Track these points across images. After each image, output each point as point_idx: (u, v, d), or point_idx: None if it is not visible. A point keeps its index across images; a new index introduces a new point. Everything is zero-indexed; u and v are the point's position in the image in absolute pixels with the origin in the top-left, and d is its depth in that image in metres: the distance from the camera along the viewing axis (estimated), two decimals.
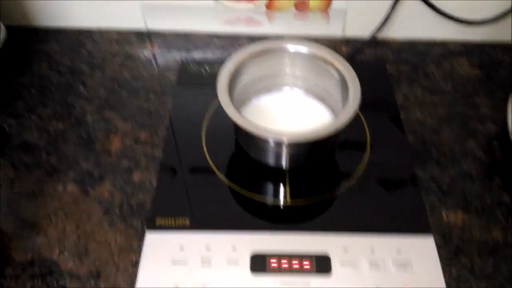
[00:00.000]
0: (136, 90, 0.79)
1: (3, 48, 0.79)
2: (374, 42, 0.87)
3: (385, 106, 0.77)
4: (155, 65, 0.84)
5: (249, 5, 0.86)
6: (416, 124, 0.74)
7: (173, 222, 0.61)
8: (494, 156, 0.70)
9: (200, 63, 0.83)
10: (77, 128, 0.73)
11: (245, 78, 0.69)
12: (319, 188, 0.66)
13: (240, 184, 0.66)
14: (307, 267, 0.57)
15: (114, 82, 0.80)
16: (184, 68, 0.82)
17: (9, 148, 0.70)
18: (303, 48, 0.69)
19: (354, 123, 0.61)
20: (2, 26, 0.80)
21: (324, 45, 0.69)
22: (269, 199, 0.65)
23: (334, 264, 0.57)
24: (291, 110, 0.72)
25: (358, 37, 0.88)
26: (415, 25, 0.87)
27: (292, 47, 0.69)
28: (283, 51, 0.70)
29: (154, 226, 0.61)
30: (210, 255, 0.58)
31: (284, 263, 0.57)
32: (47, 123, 0.74)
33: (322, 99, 0.72)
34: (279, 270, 0.57)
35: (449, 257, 0.59)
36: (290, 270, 0.57)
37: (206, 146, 0.70)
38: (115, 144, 0.71)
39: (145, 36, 0.89)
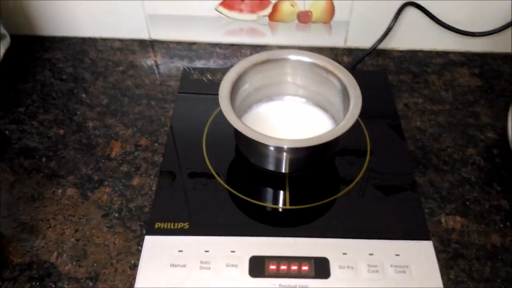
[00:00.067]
0: (138, 97, 0.79)
1: (7, 56, 0.80)
2: (375, 52, 0.87)
3: (385, 114, 0.77)
4: (157, 74, 0.84)
5: (252, 16, 0.87)
6: (417, 132, 0.74)
7: (172, 226, 0.61)
8: (494, 163, 0.70)
9: (202, 71, 0.83)
10: (78, 134, 0.74)
11: (247, 86, 0.69)
12: (318, 193, 0.66)
13: (239, 190, 0.66)
14: (306, 270, 0.56)
15: (116, 90, 0.81)
16: (186, 76, 0.83)
17: (9, 153, 0.71)
18: (304, 58, 0.69)
19: (355, 130, 0.61)
20: (7, 35, 0.81)
21: (325, 55, 0.69)
22: (269, 204, 0.65)
23: (333, 268, 0.57)
24: (293, 118, 0.72)
25: (360, 48, 0.89)
26: (416, 36, 0.88)
27: (293, 57, 0.70)
28: (285, 60, 0.70)
29: (153, 230, 0.61)
30: (209, 259, 0.58)
31: (283, 267, 0.57)
32: (48, 128, 0.74)
33: (323, 108, 0.72)
34: (277, 273, 0.56)
35: (447, 261, 0.59)
36: (288, 274, 0.56)
37: (206, 152, 0.70)
38: (116, 149, 0.71)
39: (148, 45, 0.90)
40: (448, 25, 0.84)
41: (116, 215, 0.63)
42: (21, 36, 0.90)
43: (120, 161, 0.70)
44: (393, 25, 0.83)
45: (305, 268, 0.57)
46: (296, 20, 0.87)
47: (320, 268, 0.57)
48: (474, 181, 0.67)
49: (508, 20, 0.83)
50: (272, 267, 0.57)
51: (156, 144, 0.72)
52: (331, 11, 0.85)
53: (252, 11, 0.86)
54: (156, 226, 0.61)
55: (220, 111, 0.61)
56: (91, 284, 0.57)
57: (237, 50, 0.89)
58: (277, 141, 0.59)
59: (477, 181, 0.67)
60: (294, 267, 0.57)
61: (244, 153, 0.68)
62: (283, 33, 0.89)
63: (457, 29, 0.84)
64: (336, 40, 0.89)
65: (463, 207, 0.64)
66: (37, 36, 0.91)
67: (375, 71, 0.85)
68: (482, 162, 0.70)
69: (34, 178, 0.68)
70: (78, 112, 0.77)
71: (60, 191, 0.66)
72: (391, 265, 0.57)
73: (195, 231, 0.61)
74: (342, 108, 0.65)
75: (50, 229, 0.62)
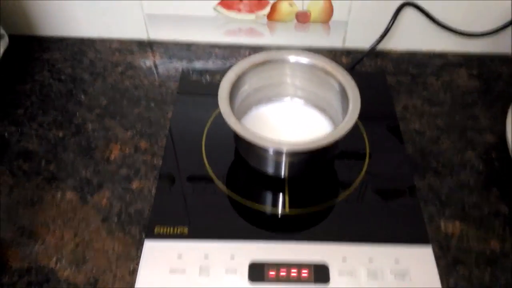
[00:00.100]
0: (137, 99, 0.79)
1: (5, 57, 0.80)
2: (374, 53, 0.87)
3: (384, 116, 0.77)
4: (156, 74, 0.84)
5: (251, 16, 0.86)
6: (415, 134, 0.74)
7: (171, 231, 0.61)
8: (493, 167, 0.70)
9: (201, 72, 0.83)
10: (77, 136, 0.73)
11: (246, 87, 0.69)
12: (317, 197, 0.66)
13: (239, 193, 0.66)
14: (306, 276, 0.57)
15: (115, 91, 0.81)
16: (185, 77, 0.82)
17: (8, 155, 0.71)
18: (303, 59, 0.69)
19: (354, 133, 0.61)
20: (5, 35, 0.81)
21: (324, 56, 0.69)
22: (268, 208, 0.65)
23: (333, 273, 0.57)
24: (292, 120, 0.72)
25: (359, 49, 0.89)
26: (415, 37, 0.88)
27: (292, 58, 0.69)
28: (284, 61, 0.70)
29: (152, 235, 0.61)
30: (209, 264, 0.58)
31: (283, 272, 0.57)
32: (47, 131, 0.74)
33: (322, 109, 0.72)
34: (277, 279, 0.56)
35: (447, 266, 0.59)
36: (288, 279, 0.56)
37: (205, 155, 0.70)
38: (115, 152, 0.71)
39: (146, 46, 0.89)
40: (447, 26, 0.84)
41: (116, 220, 0.63)
42: (20, 36, 0.89)
43: (120, 164, 0.70)
44: (392, 25, 0.83)
45: (304, 273, 0.57)
46: (294, 20, 0.87)
47: (320, 273, 0.57)
48: (473, 185, 0.68)
49: (507, 21, 0.83)
50: (272, 272, 0.57)
51: (155, 147, 0.72)
52: (330, 11, 0.85)
53: (251, 10, 0.85)
54: (155, 231, 0.61)
55: (219, 112, 0.61)
56: None
57: (235, 51, 0.89)
58: (276, 144, 0.59)
59: (476, 185, 0.68)
60: (293, 273, 0.57)
61: (243, 156, 0.68)
62: (282, 33, 0.89)
63: (456, 30, 0.84)
64: (334, 41, 0.89)
65: (462, 212, 0.65)
66: (36, 36, 0.90)
67: (373, 72, 0.85)
68: (481, 165, 0.70)
69: (34, 181, 0.67)
70: (77, 114, 0.77)
71: (59, 195, 0.66)
72: (390, 271, 0.57)
73: (195, 235, 0.61)
74: (341, 109, 0.65)
75: (49, 233, 0.62)
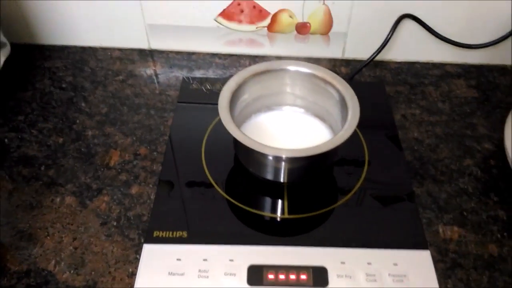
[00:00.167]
0: (137, 106, 0.80)
1: (7, 65, 0.80)
2: (373, 64, 0.88)
3: (383, 125, 0.77)
4: (156, 83, 0.85)
5: (251, 27, 0.87)
6: (414, 143, 0.74)
7: (170, 235, 0.61)
8: (491, 174, 0.70)
9: (201, 81, 0.84)
10: (77, 142, 0.74)
11: (247, 96, 0.69)
12: (316, 203, 0.66)
13: (238, 198, 0.66)
14: (304, 279, 0.56)
15: (116, 99, 0.81)
16: (185, 86, 0.83)
17: (8, 161, 0.71)
18: (303, 68, 0.70)
19: (353, 141, 0.62)
20: (7, 43, 0.82)
21: (323, 66, 0.70)
22: (267, 213, 0.65)
23: (331, 277, 0.57)
24: (291, 128, 0.73)
25: (358, 59, 0.89)
26: (413, 48, 0.88)
27: (292, 67, 0.70)
28: (284, 71, 0.71)
29: (151, 238, 0.61)
30: (207, 267, 0.58)
31: (281, 275, 0.57)
32: (47, 137, 0.74)
33: (321, 118, 0.73)
34: (276, 282, 0.56)
35: (445, 270, 0.59)
36: (287, 283, 0.56)
37: (205, 161, 0.70)
38: (114, 158, 0.71)
39: (147, 55, 0.90)
40: (445, 37, 0.85)
41: (115, 224, 0.63)
42: (21, 45, 0.90)
43: (119, 170, 0.70)
44: (391, 37, 0.84)
45: (303, 277, 0.57)
46: (294, 31, 0.88)
47: (318, 277, 0.57)
48: (471, 191, 0.68)
49: (504, 32, 0.84)
50: (271, 276, 0.57)
51: (155, 153, 0.72)
52: (329, 22, 0.85)
53: (251, 22, 0.86)
54: (154, 235, 0.61)
55: (219, 120, 0.61)
56: None
57: (236, 61, 0.89)
58: (276, 151, 0.59)
59: (474, 191, 0.68)
60: (292, 276, 0.57)
61: (243, 163, 0.68)
62: (282, 44, 0.90)
63: (454, 41, 0.85)
64: (334, 51, 0.90)
65: (461, 217, 0.65)
66: (37, 45, 0.91)
67: (372, 82, 0.86)
68: (479, 172, 0.70)
69: (33, 186, 0.68)
70: (78, 121, 0.77)
71: (58, 199, 0.66)
72: (389, 274, 0.57)
73: (194, 239, 0.61)
74: (340, 119, 0.66)
75: (48, 237, 0.62)
